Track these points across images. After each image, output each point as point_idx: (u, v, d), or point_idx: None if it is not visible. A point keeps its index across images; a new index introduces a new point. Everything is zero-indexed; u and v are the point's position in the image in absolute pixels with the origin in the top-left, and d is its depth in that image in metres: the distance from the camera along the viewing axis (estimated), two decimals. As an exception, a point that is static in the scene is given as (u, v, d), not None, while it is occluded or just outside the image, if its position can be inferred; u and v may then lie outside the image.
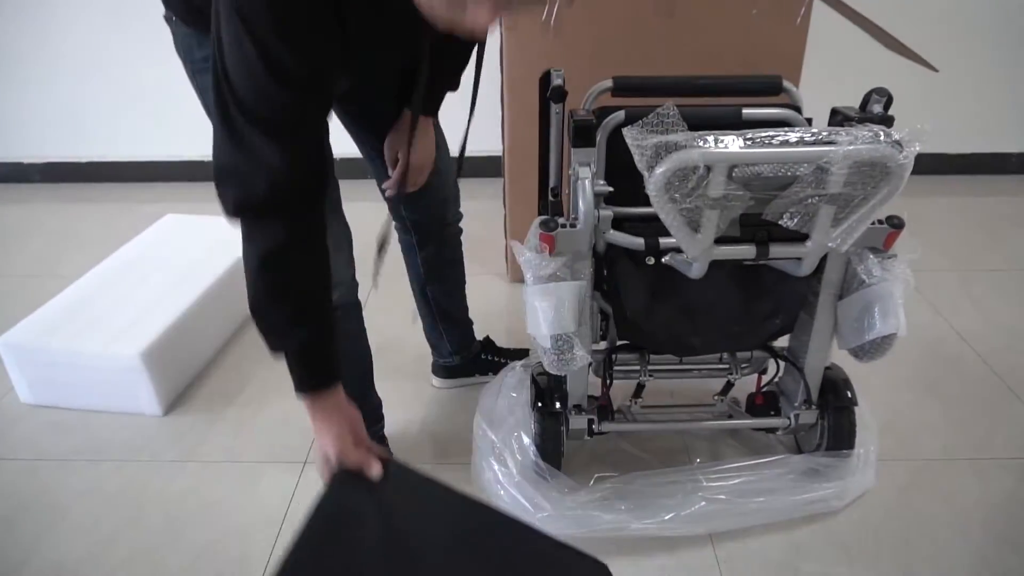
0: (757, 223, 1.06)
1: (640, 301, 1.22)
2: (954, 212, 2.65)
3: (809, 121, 1.27)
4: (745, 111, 1.24)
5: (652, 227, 1.12)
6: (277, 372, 1.84)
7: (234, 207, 0.92)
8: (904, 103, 2.76)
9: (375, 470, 1.01)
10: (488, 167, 2.34)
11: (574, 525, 1.30)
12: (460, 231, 1.57)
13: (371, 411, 1.47)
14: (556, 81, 1.23)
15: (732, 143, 0.95)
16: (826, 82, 2.59)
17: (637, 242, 1.17)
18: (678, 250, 1.12)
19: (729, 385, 1.47)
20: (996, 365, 1.81)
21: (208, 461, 1.55)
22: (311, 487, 1.47)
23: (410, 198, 1.41)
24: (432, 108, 1.32)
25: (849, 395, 1.40)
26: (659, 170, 0.94)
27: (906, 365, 1.81)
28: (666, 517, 1.31)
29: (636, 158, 0.96)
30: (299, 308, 0.99)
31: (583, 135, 1.15)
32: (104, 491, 1.47)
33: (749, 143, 0.96)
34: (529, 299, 1.18)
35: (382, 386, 1.48)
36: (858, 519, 1.38)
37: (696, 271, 1.11)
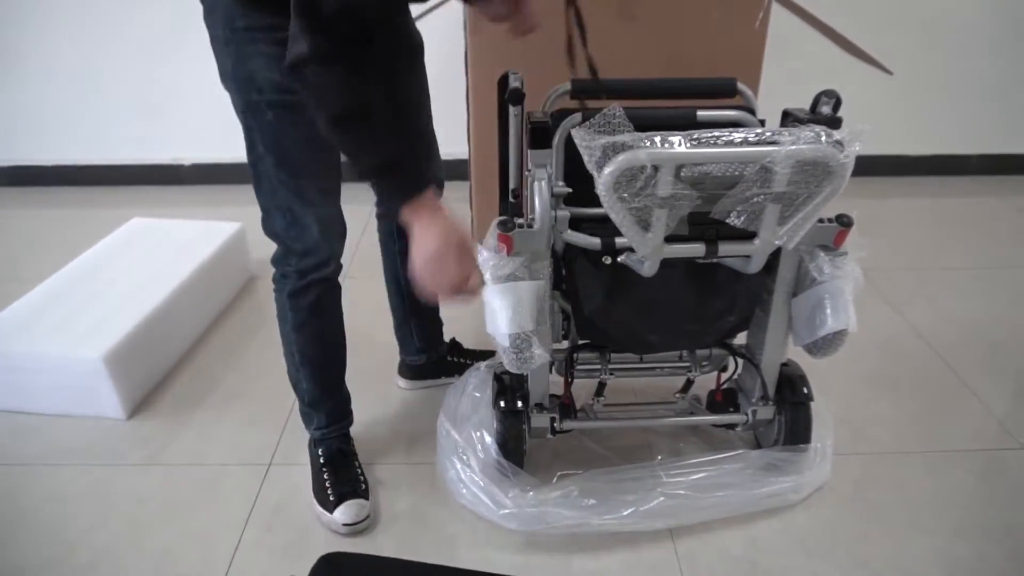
0: (706, 222, 1.08)
1: (597, 300, 1.24)
2: (913, 212, 2.71)
3: (763, 122, 1.30)
4: (700, 112, 1.26)
5: (609, 227, 1.14)
6: (244, 375, 1.86)
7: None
8: (865, 106, 2.84)
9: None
10: (455, 170, 2.34)
11: (535, 522, 1.32)
12: None
13: (342, 404, 1.49)
14: (514, 83, 1.25)
15: (678, 143, 0.97)
16: (786, 85, 2.64)
17: (593, 242, 1.19)
18: (633, 249, 1.15)
19: (689, 383, 1.49)
20: (950, 360, 1.85)
21: (172, 464, 1.55)
22: (276, 489, 1.48)
23: None
24: None
25: (805, 391, 1.43)
26: (607, 170, 0.97)
27: (863, 361, 1.85)
28: (626, 513, 1.33)
29: (585, 159, 0.98)
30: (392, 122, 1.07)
31: (539, 137, 1.17)
32: (67, 495, 1.46)
33: (695, 143, 0.98)
34: (488, 298, 1.19)
35: (350, 385, 1.49)
36: (815, 512, 1.42)
37: (648, 269, 1.14)
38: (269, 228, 1.28)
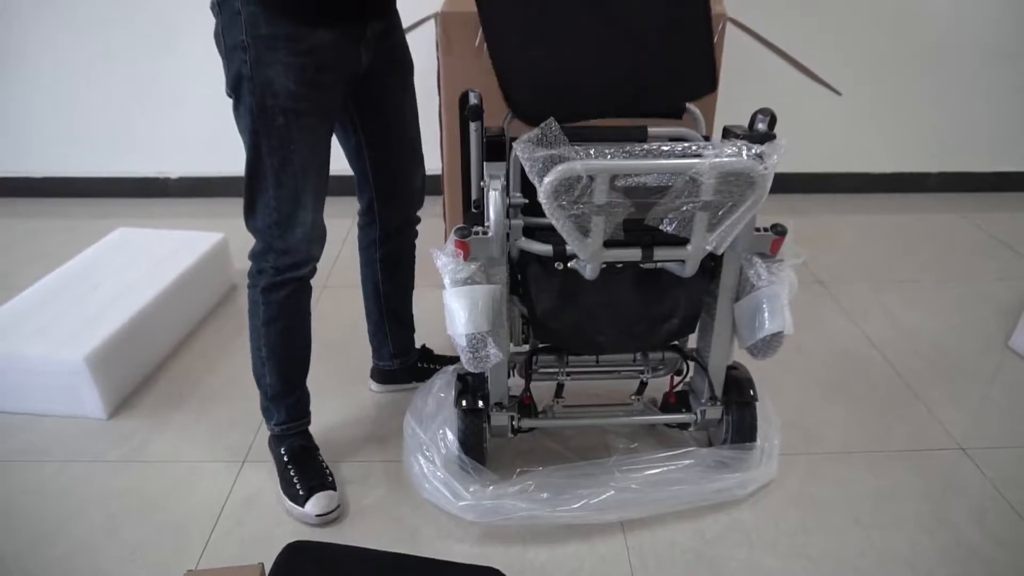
0: (642, 228, 1.17)
1: (549, 302, 1.32)
2: (873, 228, 2.81)
3: (707, 139, 1.39)
4: (651, 129, 1.35)
5: (560, 236, 1.23)
6: (223, 378, 1.93)
7: None
8: (826, 125, 2.97)
9: None
10: (429, 185, 2.43)
11: (491, 513, 1.40)
12: (417, 233, 1.68)
13: (302, 402, 1.55)
14: (473, 101, 1.34)
15: (611, 156, 1.06)
16: (742, 105, 2.77)
17: (546, 248, 1.27)
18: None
19: (643, 385, 1.57)
20: (900, 367, 1.94)
21: (150, 461, 1.61)
22: (247, 484, 1.55)
23: (386, 195, 1.55)
24: None
25: (751, 392, 1.51)
26: (547, 179, 1.05)
27: (817, 368, 1.94)
28: (578, 505, 1.41)
29: (527, 169, 1.07)
30: None
31: (494, 150, 1.26)
32: (46, 490, 1.52)
33: (626, 155, 1.07)
34: (447, 301, 1.27)
35: (324, 388, 1.57)
36: (760, 508, 1.49)
37: (590, 272, 1.22)
38: (252, 224, 1.36)
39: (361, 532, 1.43)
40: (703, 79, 1.24)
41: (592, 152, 1.06)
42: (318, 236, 1.39)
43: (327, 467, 1.52)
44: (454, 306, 1.25)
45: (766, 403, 1.62)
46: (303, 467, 1.49)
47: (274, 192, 1.31)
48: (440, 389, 1.60)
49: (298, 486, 1.45)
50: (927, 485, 1.55)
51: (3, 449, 1.64)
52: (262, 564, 1.28)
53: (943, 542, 1.41)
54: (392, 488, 1.54)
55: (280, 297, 1.40)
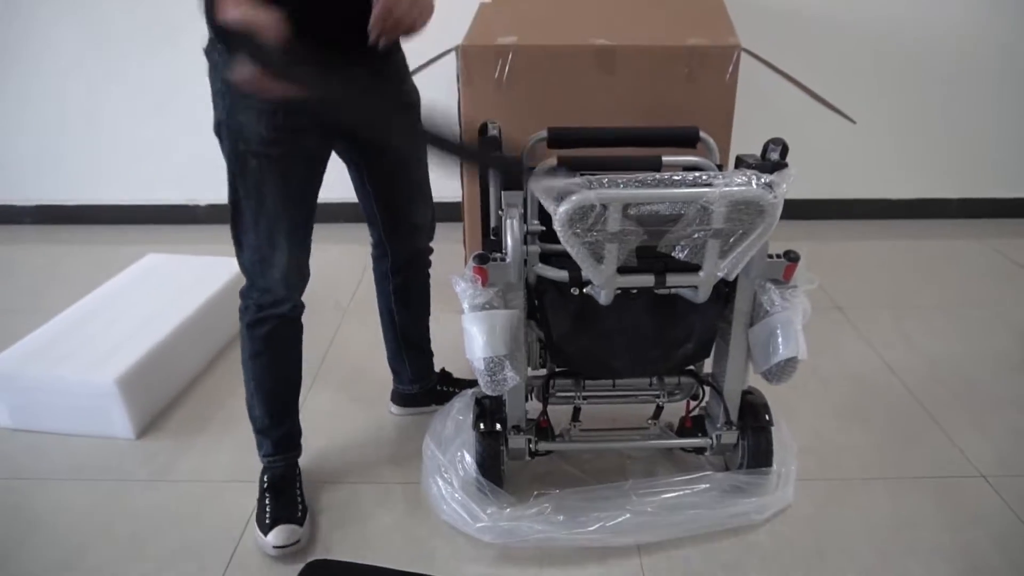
0: (655, 255, 1.20)
1: (565, 327, 1.35)
2: (894, 254, 2.81)
3: (720, 168, 1.42)
4: (664, 158, 1.39)
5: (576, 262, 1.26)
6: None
7: None
8: (847, 151, 2.98)
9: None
10: (450, 212, 2.48)
11: (508, 535, 1.41)
12: (430, 263, 1.72)
13: (290, 436, 1.57)
14: (491, 132, 1.39)
15: (624, 184, 1.09)
16: (757, 134, 2.80)
17: (562, 274, 1.31)
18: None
19: (659, 409, 1.59)
20: (919, 394, 1.94)
21: (176, 481, 1.65)
22: (270, 504, 1.58)
23: (393, 231, 1.58)
24: None
25: (767, 417, 1.52)
26: (562, 208, 1.09)
27: (835, 394, 1.94)
28: (593, 528, 1.42)
29: (542, 199, 1.10)
30: None
31: (511, 178, 1.30)
32: (76, 507, 1.57)
33: (639, 184, 1.10)
34: (466, 325, 1.31)
35: (345, 409, 1.60)
36: (776, 532, 1.50)
37: (604, 298, 1.25)
38: (239, 261, 1.41)
39: (379, 552, 1.46)
40: None
41: (605, 181, 1.10)
42: (296, 278, 1.42)
43: (301, 501, 1.53)
44: (472, 330, 1.29)
45: (782, 428, 1.63)
46: (277, 498, 1.50)
47: (253, 232, 1.35)
48: (459, 412, 1.63)
49: (267, 515, 1.47)
50: (946, 513, 1.54)
51: (35, 468, 1.69)
52: (283, 582, 1.31)
53: (962, 570, 1.40)
54: (411, 509, 1.56)
55: (263, 333, 1.43)
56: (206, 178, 3.03)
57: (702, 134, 1.45)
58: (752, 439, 1.52)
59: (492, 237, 1.48)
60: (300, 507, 1.52)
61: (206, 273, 2.22)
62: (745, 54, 1.91)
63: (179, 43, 2.78)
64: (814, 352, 2.11)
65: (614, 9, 2.18)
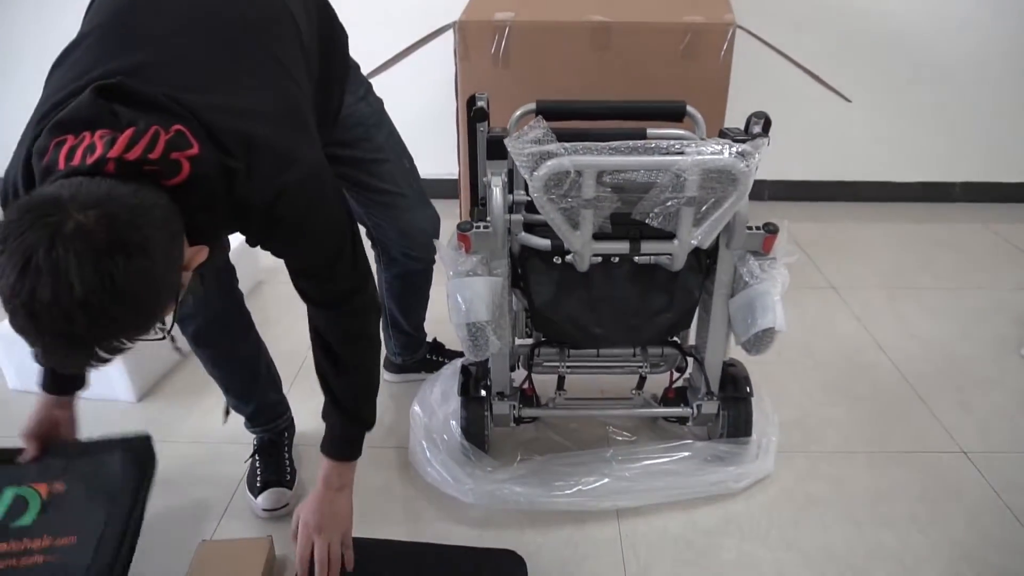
0: (630, 222, 1.22)
1: (547, 295, 1.38)
2: (893, 236, 2.81)
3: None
4: (650, 131, 1.41)
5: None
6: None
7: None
8: (850, 133, 2.97)
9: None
10: (447, 188, 2.52)
11: (489, 497, 1.46)
12: (433, 261, 1.66)
13: (258, 412, 1.59)
14: (479, 103, 1.41)
15: (598, 152, 1.12)
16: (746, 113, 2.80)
17: (544, 243, 1.34)
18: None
19: (642, 379, 1.62)
20: (907, 372, 1.95)
21: (174, 442, 1.71)
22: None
23: (382, 234, 1.59)
24: None
25: (747, 389, 1.55)
26: (537, 174, 1.12)
27: (824, 371, 1.96)
28: (573, 491, 1.46)
29: (518, 164, 1.13)
30: None
31: (495, 148, 1.32)
32: (77, 465, 1.63)
33: (613, 151, 1.13)
34: (450, 290, 1.34)
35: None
36: (754, 501, 1.53)
37: (581, 264, 1.28)
38: None
39: (367, 512, 1.49)
40: None
41: (580, 148, 1.12)
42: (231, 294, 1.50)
43: (290, 464, 1.58)
44: (456, 297, 1.32)
45: (764, 401, 1.66)
46: (267, 462, 1.56)
47: None
48: (447, 379, 1.67)
49: (257, 478, 1.53)
50: (925, 486, 1.57)
51: (40, 427, 1.75)
52: (271, 537, 1.37)
53: (936, 540, 1.43)
54: (400, 472, 1.61)
55: (189, 333, 1.48)
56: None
57: (689, 108, 1.46)
58: (732, 409, 1.55)
59: (480, 206, 1.51)
60: (289, 470, 1.57)
61: (209, 244, 2.27)
62: (741, 31, 1.91)
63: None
64: (806, 330, 2.15)
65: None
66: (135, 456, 1.31)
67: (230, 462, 1.63)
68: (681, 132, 1.42)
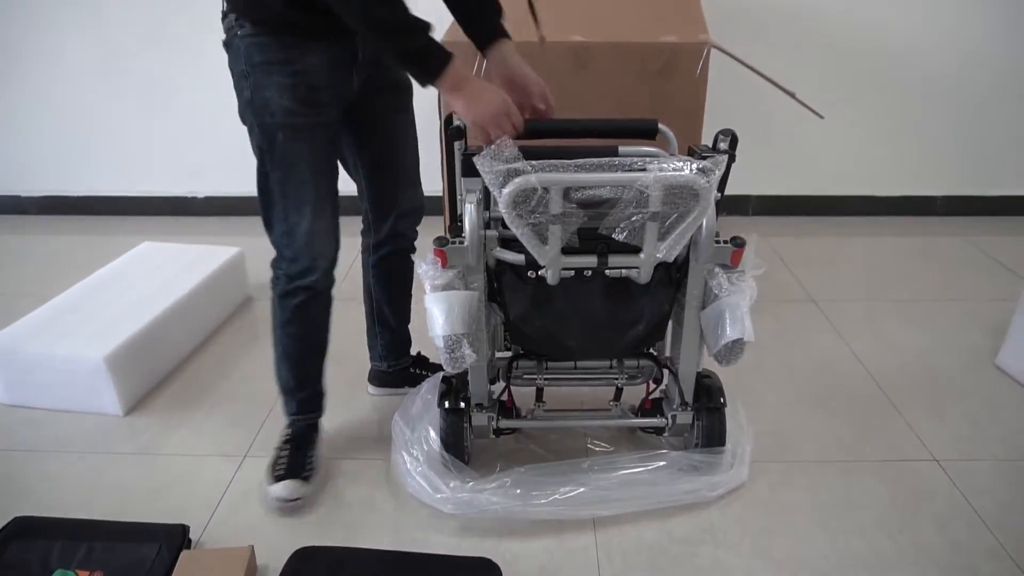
0: (599, 237, 1.26)
1: (522, 308, 1.42)
2: (876, 250, 2.85)
3: None
4: (621, 149, 1.44)
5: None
6: (234, 381, 2.06)
7: None
8: (834, 148, 3.03)
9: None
10: (432, 205, 2.56)
11: (467, 507, 1.48)
12: (413, 249, 1.78)
13: (314, 398, 1.67)
14: (456, 122, 1.45)
15: (564, 169, 1.16)
16: (745, 132, 2.83)
17: (519, 258, 1.37)
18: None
19: (619, 391, 1.65)
20: (883, 382, 1.99)
21: (160, 455, 1.73)
22: (247, 477, 1.66)
23: (376, 209, 1.67)
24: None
25: (721, 400, 1.58)
26: (505, 191, 1.16)
27: (799, 382, 1.99)
28: (548, 500, 1.49)
29: (487, 181, 1.17)
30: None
31: (470, 166, 1.36)
32: (64, 477, 1.66)
33: (579, 169, 1.17)
34: (427, 304, 1.37)
35: (328, 390, 1.67)
36: (728, 510, 1.55)
37: (551, 277, 1.32)
38: (269, 234, 1.49)
39: (346, 522, 1.53)
40: None
41: (547, 166, 1.16)
42: (321, 246, 1.49)
43: (312, 461, 1.61)
44: (433, 310, 1.35)
45: (739, 411, 1.69)
46: (294, 453, 1.60)
47: (281, 204, 1.44)
48: (427, 392, 1.70)
49: (278, 467, 1.57)
50: (896, 494, 1.59)
51: (28, 441, 1.78)
52: (251, 547, 1.39)
53: (904, 546, 1.46)
54: (379, 484, 1.63)
55: (292, 304, 1.52)
56: (204, 171, 3.14)
57: (661, 126, 1.50)
58: (706, 419, 1.58)
59: (458, 224, 1.55)
60: (309, 466, 1.60)
61: (198, 260, 2.31)
62: (715, 51, 1.96)
63: (179, 40, 2.87)
64: (784, 342, 2.19)
65: (591, 6, 2.24)
66: (171, 547, 1.39)
67: (214, 474, 1.66)
68: (651, 150, 1.45)
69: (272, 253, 1.51)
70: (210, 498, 1.59)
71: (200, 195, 3.20)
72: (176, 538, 1.41)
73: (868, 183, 3.11)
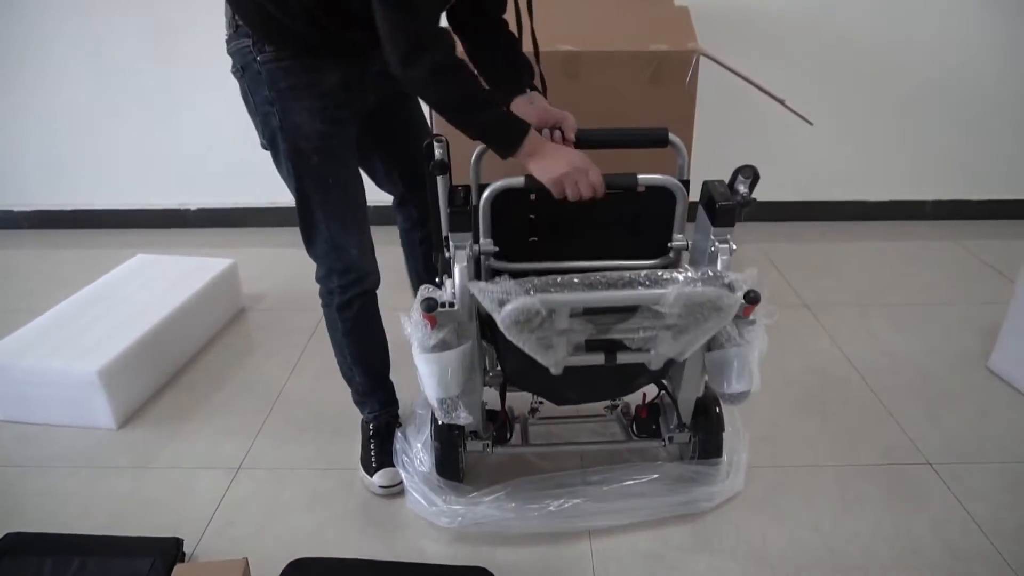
0: (606, 340, 1.23)
1: (518, 363, 1.33)
2: (867, 255, 2.87)
3: (686, 184, 1.40)
4: (640, 176, 1.36)
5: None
6: (227, 394, 2.05)
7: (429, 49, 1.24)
8: (823, 154, 3.04)
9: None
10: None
11: (464, 520, 1.48)
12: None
13: (389, 392, 1.73)
14: (438, 154, 1.33)
15: (568, 289, 1.12)
16: (740, 138, 2.86)
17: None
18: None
19: (614, 403, 1.65)
20: (877, 387, 1.99)
21: (153, 468, 1.73)
22: (241, 489, 1.65)
23: (417, 194, 1.65)
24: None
25: (719, 420, 1.57)
26: (506, 310, 1.12)
27: (795, 387, 2.00)
28: (544, 513, 1.48)
29: (483, 302, 1.14)
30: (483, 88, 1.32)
31: (459, 220, 1.31)
32: (57, 492, 1.65)
33: (587, 288, 1.14)
34: (419, 365, 1.30)
35: (319, 401, 1.68)
36: (724, 516, 1.56)
37: (554, 370, 1.29)
38: (313, 252, 1.53)
39: (343, 534, 1.53)
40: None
41: (550, 282, 1.13)
42: (370, 252, 1.56)
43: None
44: (424, 372, 1.30)
45: (736, 418, 1.69)
46: (382, 445, 1.66)
47: (325, 223, 1.47)
48: (420, 407, 1.69)
49: (373, 459, 1.64)
50: (891, 498, 1.60)
51: (21, 456, 1.77)
52: (246, 559, 1.39)
53: (899, 551, 1.46)
54: (378, 495, 1.63)
55: (352, 313, 1.56)
56: (197, 183, 3.14)
57: (671, 136, 1.44)
58: (703, 435, 1.58)
59: (445, 248, 1.45)
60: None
61: (191, 272, 2.30)
62: (704, 59, 1.98)
63: (173, 53, 2.88)
64: (778, 348, 2.16)
65: (581, 15, 2.25)
66: (165, 562, 1.39)
67: (208, 487, 1.66)
68: (666, 179, 1.36)
69: (308, 269, 1.55)
70: (204, 511, 1.59)
71: (193, 207, 3.20)
72: (170, 552, 1.41)
73: (859, 188, 3.13)
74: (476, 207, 1.35)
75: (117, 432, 1.85)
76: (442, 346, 1.27)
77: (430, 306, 1.24)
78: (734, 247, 1.31)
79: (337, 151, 1.43)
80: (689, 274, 1.17)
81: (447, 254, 1.37)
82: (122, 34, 2.87)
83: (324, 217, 1.46)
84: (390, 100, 1.53)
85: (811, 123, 1.98)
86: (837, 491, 1.62)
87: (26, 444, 1.81)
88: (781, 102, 1.95)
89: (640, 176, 1.34)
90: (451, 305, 1.28)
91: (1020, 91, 2.91)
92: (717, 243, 1.32)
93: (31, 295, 2.64)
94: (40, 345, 1.90)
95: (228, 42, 1.40)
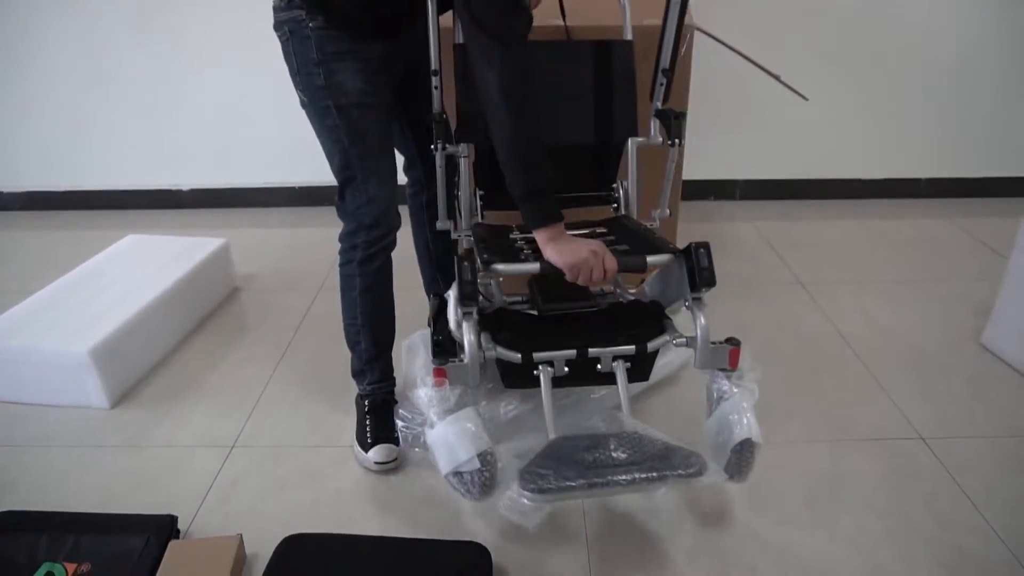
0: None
1: (514, 381, 1.46)
2: (861, 232, 2.87)
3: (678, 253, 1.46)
4: (649, 259, 1.44)
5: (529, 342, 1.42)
6: (220, 373, 2.04)
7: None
8: (818, 131, 3.02)
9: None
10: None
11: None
12: None
13: (389, 365, 1.74)
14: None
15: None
16: (738, 115, 2.84)
17: (515, 356, 1.40)
18: (550, 363, 1.40)
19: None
20: (870, 363, 2.00)
21: (147, 447, 1.73)
22: (234, 467, 1.66)
23: (427, 154, 1.69)
24: None
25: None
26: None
27: (786, 363, 2.00)
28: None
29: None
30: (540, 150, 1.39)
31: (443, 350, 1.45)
32: (51, 471, 1.65)
33: (588, 485, 1.24)
34: (440, 436, 1.31)
35: (312, 381, 1.67)
36: (716, 491, 1.56)
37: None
38: (343, 209, 1.59)
39: (336, 510, 1.53)
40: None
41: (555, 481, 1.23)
42: (394, 207, 1.60)
43: (394, 425, 1.60)
44: (442, 444, 1.31)
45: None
46: (378, 419, 1.67)
47: (361, 176, 1.54)
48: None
49: (368, 435, 1.65)
50: (883, 472, 1.61)
51: (15, 436, 1.77)
52: (240, 535, 1.39)
53: (891, 525, 1.47)
54: (369, 471, 1.63)
55: (374, 268, 1.61)
56: (188, 163, 3.11)
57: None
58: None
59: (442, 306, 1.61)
60: (395, 430, 1.61)
61: (183, 252, 2.29)
62: (699, 33, 1.95)
63: (164, 33, 2.84)
64: (772, 325, 2.20)
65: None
66: (159, 538, 1.39)
67: (201, 465, 1.66)
68: (666, 258, 1.46)
69: (332, 233, 1.60)
70: (198, 489, 1.59)
71: (184, 187, 3.18)
72: (164, 529, 1.41)
73: (853, 166, 3.12)
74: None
75: (110, 411, 1.85)
76: (460, 405, 1.33)
77: (442, 360, 1.36)
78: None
79: (374, 109, 1.52)
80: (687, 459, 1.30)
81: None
82: (113, 14, 2.83)
83: (362, 170, 1.53)
84: (416, 67, 1.59)
85: (806, 98, 1.97)
86: (829, 466, 1.63)
87: (20, 424, 1.81)
88: (776, 77, 1.94)
89: (649, 258, 1.43)
90: (460, 360, 1.38)
91: (1015, 69, 2.90)
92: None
93: (23, 276, 2.63)
94: (32, 325, 1.89)
95: (277, 11, 1.47)
